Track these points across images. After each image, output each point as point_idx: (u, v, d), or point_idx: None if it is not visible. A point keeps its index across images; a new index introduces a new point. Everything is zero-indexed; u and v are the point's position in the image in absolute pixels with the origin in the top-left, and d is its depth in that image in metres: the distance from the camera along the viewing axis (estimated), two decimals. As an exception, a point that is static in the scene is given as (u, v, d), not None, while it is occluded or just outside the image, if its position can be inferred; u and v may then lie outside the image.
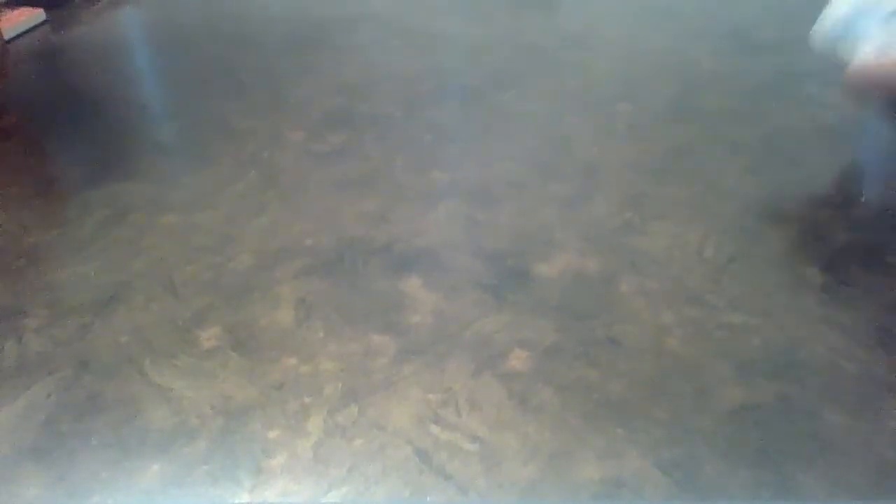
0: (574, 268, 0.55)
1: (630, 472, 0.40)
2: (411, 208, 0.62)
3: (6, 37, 0.93)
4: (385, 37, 0.97)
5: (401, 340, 0.48)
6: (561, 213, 0.61)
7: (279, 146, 0.71)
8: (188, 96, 0.81)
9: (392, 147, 0.71)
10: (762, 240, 0.58)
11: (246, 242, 0.58)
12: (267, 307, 0.51)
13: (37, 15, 1.01)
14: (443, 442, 0.41)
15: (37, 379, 0.45)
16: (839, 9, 0.65)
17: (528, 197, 0.63)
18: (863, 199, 0.63)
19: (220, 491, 0.39)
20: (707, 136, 0.73)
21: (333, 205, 0.62)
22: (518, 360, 0.47)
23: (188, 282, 0.53)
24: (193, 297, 0.52)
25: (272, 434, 0.42)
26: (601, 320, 0.50)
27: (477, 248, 0.57)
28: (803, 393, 0.44)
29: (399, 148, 0.71)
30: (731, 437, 0.42)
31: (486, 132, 0.74)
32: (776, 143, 0.72)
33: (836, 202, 0.63)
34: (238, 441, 0.41)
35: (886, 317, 0.50)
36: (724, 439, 0.41)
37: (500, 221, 0.60)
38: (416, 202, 0.63)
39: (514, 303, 0.51)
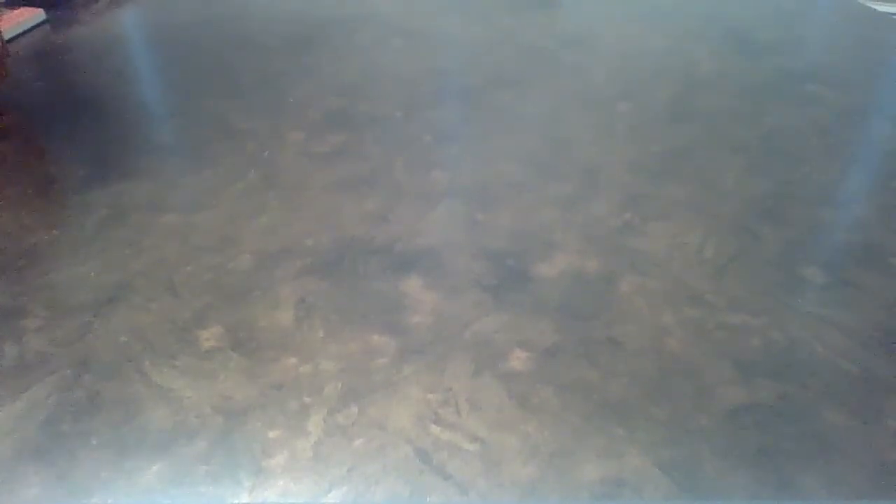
0: (574, 268, 0.55)
1: (630, 472, 0.40)
2: (411, 208, 0.62)
3: (6, 36, 0.93)
4: (385, 37, 0.97)
5: (401, 340, 0.48)
6: (561, 213, 0.61)
7: (279, 146, 0.71)
8: (188, 96, 0.81)
9: (392, 147, 0.71)
10: (762, 240, 0.58)
11: (246, 242, 0.58)
12: (267, 307, 0.51)
13: (36, 15, 1.01)
14: (443, 442, 0.41)
15: (36, 379, 0.45)
16: None
17: (528, 197, 0.63)
18: (861, 199, 0.63)
19: (220, 490, 0.39)
20: (707, 136, 0.73)
21: (333, 205, 0.62)
22: (518, 361, 0.47)
23: (188, 282, 0.53)
24: (193, 297, 0.52)
25: (272, 434, 0.42)
26: (601, 320, 0.50)
27: (477, 249, 0.57)
28: (803, 393, 0.44)
29: (399, 148, 0.71)
30: (731, 437, 0.42)
31: (486, 132, 0.74)
32: (776, 143, 0.72)
33: (836, 202, 0.63)
34: (238, 441, 0.41)
35: (886, 317, 0.50)
36: (724, 439, 0.41)
37: (500, 221, 0.60)
38: (417, 202, 0.63)
39: (514, 303, 0.51)
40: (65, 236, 0.58)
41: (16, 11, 1.00)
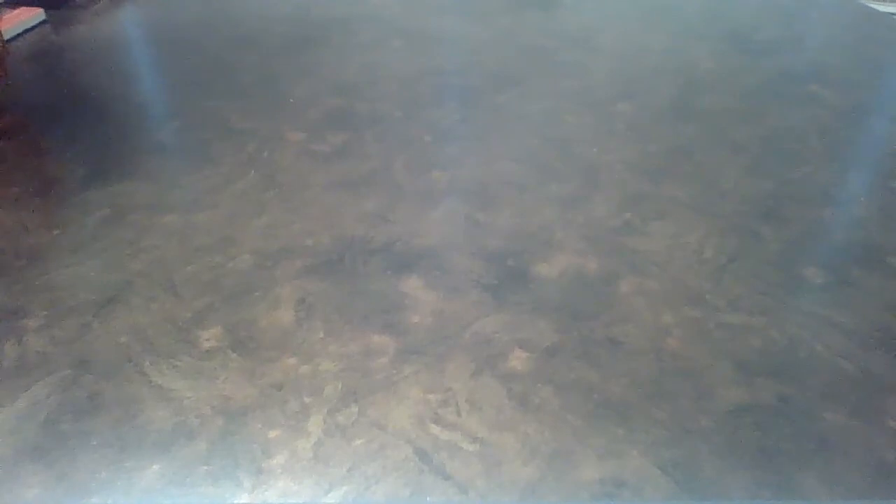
0: (574, 268, 0.55)
1: (630, 472, 0.40)
2: (411, 208, 0.62)
3: (6, 36, 0.93)
4: (385, 37, 0.97)
5: (401, 340, 0.48)
6: (561, 213, 0.61)
7: (279, 146, 0.71)
8: (188, 96, 0.81)
9: (392, 147, 0.71)
10: (762, 240, 0.58)
11: (246, 242, 0.58)
12: (267, 307, 0.51)
13: (36, 15, 1.01)
14: (443, 442, 0.41)
15: (36, 379, 0.45)
16: None
17: (528, 197, 0.63)
18: (862, 199, 0.63)
19: (220, 491, 0.39)
20: (707, 136, 0.73)
21: (333, 205, 0.62)
22: (518, 361, 0.47)
23: (188, 282, 0.53)
24: (193, 297, 0.52)
25: (272, 434, 0.42)
26: (601, 320, 0.50)
27: (477, 248, 0.57)
28: (803, 393, 0.44)
29: (399, 148, 0.71)
30: (731, 437, 0.42)
31: (486, 132, 0.74)
32: (776, 143, 0.72)
33: (836, 202, 0.63)
34: (238, 441, 0.41)
35: (886, 317, 0.50)
36: (724, 439, 0.41)
37: (500, 221, 0.60)
38: (416, 202, 0.63)
39: (514, 303, 0.51)
40: (65, 236, 0.58)
41: (16, 11, 1.00)
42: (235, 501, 0.38)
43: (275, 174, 0.67)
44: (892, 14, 1.15)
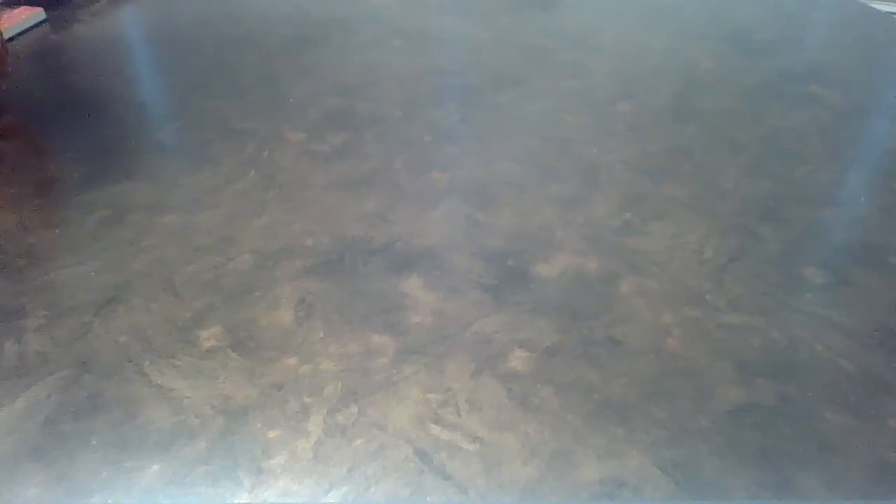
0: (574, 268, 0.55)
1: (630, 472, 0.40)
2: (411, 208, 0.62)
3: (6, 36, 0.93)
4: (385, 37, 0.97)
5: (401, 340, 0.48)
6: (561, 213, 0.61)
7: (279, 146, 0.71)
8: (188, 96, 0.81)
9: (392, 147, 0.71)
10: (762, 240, 0.58)
11: (246, 242, 0.58)
12: (267, 307, 0.51)
13: (36, 14, 1.01)
14: (443, 442, 0.41)
15: (36, 379, 0.45)
16: None
17: (528, 197, 0.63)
18: (862, 199, 0.63)
19: (220, 490, 0.39)
20: (707, 136, 0.73)
21: (333, 205, 0.62)
22: (518, 361, 0.47)
23: (188, 282, 0.53)
24: (193, 297, 0.52)
25: (272, 434, 0.42)
26: (601, 320, 0.50)
27: (477, 248, 0.57)
28: (803, 393, 0.44)
29: (399, 148, 0.71)
30: (731, 437, 0.42)
31: (486, 132, 0.74)
32: (776, 143, 0.72)
33: (836, 202, 0.63)
34: (238, 441, 0.41)
35: (886, 317, 0.50)
36: (724, 439, 0.41)
37: (500, 221, 0.60)
38: (416, 202, 0.63)
39: (514, 303, 0.51)
40: (65, 236, 0.58)
41: (16, 11, 1.00)
42: (235, 501, 0.38)
43: (275, 174, 0.67)
44: (893, 14, 1.15)
